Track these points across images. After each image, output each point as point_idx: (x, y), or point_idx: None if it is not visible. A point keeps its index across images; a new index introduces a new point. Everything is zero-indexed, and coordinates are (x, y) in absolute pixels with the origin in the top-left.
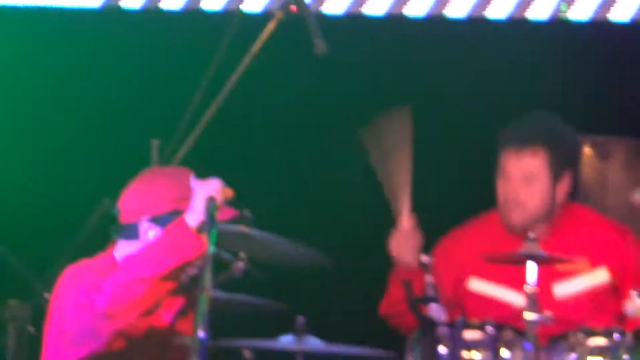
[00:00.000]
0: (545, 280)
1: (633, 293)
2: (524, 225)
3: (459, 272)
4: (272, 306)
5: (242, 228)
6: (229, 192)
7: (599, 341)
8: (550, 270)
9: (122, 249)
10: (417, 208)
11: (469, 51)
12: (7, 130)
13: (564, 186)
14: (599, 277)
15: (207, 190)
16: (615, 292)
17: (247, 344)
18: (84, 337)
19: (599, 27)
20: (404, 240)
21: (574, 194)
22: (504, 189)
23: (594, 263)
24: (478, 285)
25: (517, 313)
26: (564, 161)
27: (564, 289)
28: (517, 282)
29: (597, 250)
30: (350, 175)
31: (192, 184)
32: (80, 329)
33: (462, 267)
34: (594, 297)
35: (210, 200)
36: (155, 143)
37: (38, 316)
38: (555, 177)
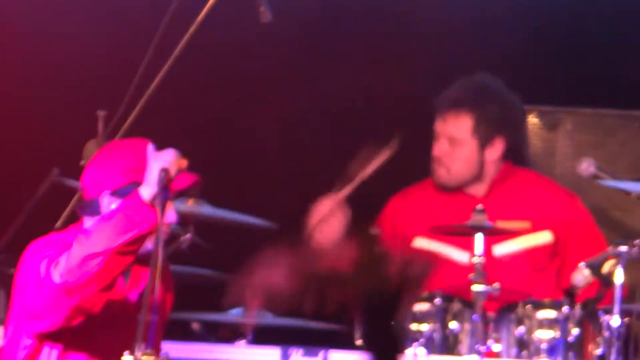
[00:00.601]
0: (486, 243)
1: (581, 265)
2: (452, 185)
3: (405, 232)
4: (220, 278)
5: (190, 204)
6: (183, 163)
7: (548, 313)
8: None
9: (88, 225)
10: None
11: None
12: None
13: (495, 150)
14: (541, 238)
15: (160, 162)
16: (556, 255)
17: (197, 317)
18: (43, 311)
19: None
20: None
21: (523, 161)
22: (434, 149)
23: (537, 225)
24: (423, 243)
25: (464, 284)
26: (492, 127)
27: (503, 249)
28: (461, 242)
29: (541, 212)
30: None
31: (149, 155)
32: (39, 303)
33: (408, 228)
34: (533, 258)
35: (163, 171)
36: (101, 114)
37: None
38: (483, 142)
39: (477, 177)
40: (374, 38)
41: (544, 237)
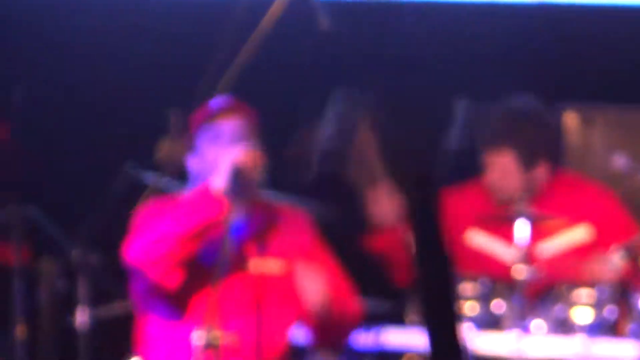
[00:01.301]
0: (531, 239)
1: (614, 249)
2: (508, 201)
3: (453, 228)
4: None
5: None
6: (258, 159)
7: (583, 293)
8: (536, 231)
9: None
10: None
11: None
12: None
13: (540, 172)
14: (580, 234)
15: (233, 156)
16: (596, 249)
17: None
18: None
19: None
20: (385, 203)
21: (558, 162)
22: (486, 177)
23: (576, 221)
24: (477, 238)
25: (508, 269)
26: (534, 153)
27: (548, 247)
28: (507, 240)
29: (580, 210)
30: None
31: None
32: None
33: (457, 224)
34: (576, 253)
35: (234, 166)
36: (174, 114)
37: (67, 272)
38: (527, 169)
39: (529, 192)
40: None
41: (581, 233)
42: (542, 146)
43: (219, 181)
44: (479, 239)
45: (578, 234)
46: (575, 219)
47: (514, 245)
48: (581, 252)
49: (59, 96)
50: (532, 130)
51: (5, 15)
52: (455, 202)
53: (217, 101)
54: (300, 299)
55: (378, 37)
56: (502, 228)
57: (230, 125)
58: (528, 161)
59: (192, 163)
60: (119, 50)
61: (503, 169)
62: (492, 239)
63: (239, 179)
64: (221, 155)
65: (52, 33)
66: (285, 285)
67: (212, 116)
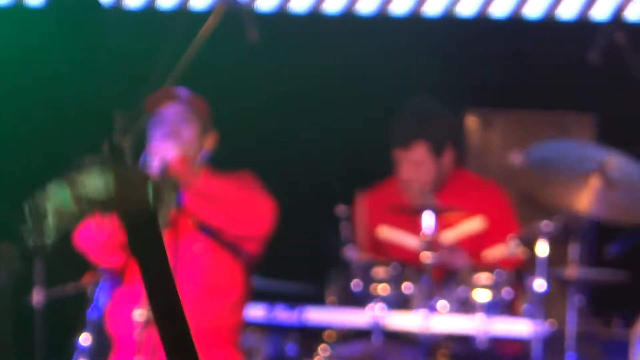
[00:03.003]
0: (436, 229)
1: (510, 239)
2: (419, 194)
3: (370, 221)
4: None
5: None
6: (184, 154)
7: (483, 276)
8: (440, 221)
9: None
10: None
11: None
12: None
13: (447, 160)
14: (475, 224)
15: (159, 152)
16: (486, 237)
17: None
18: None
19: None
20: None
21: (461, 157)
22: (401, 174)
23: (473, 214)
24: (386, 231)
25: (417, 255)
26: (442, 143)
27: (449, 235)
28: (413, 230)
29: (477, 204)
30: None
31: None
32: None
33: (372, 218)
34: (471, 241)
35: (161, 161)
36: (119, 113)
37: (25, 255)
38: (437, 157)
39: (439, 182)
40: None
41: (477, 224)
42: (448, 136)
43: (150, 173)
44: (389, 232)
45: (474, 225)
46: (472, 212)
47: (421, 234)
48: (477, 240)
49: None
50: (439, 122)
51: None
52: (371, 199)
53: (162, 90)
54: (228, 274)
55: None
56: (411, 219)
57: (168, 110)
58: (438, 150)
59: (147, 148)
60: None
61: (418, 160)
62: (400, 231)
63: (165, 174)
64: (152, 147)
65: None
66: (216, 263)
67: (155, 103)
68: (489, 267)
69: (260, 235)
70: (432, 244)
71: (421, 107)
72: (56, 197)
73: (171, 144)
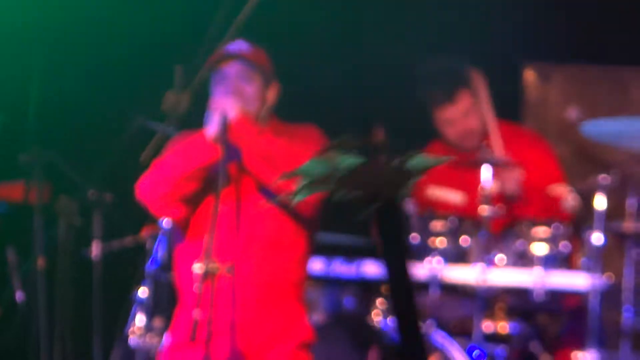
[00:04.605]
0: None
1: (567, 192)
2: (469, 147)
3: (424, 179)
4: None
5: None
6: (244, 110)
7: (540, 229)
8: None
9: None
10: None
11: None
12: (62, 51)
13: (488, 109)
14: (517, 173)
15: (220, 107)
16: (529, 186)
17: None
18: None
19: None
20: None
21: (519, 111)
22: (450, 130)
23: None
24: (433, 190)
25: (475, 208)
26: (482, 94)
27: (498, 182)
28: (460, 186)
29: (517, 153)
30: None
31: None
32: None
33: (425, 180)
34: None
35: (222, 116)
36: (179, 69)
37: (83, 209)
38: (478, 102)
39: (484, 136)
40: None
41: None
42: (483, 87)
43: (211, 129)
44: (436, 191)
45: (516, 175)
46: (517, 161)
47: (479, 187)
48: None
49: (80, 55)
50: (471, 74)
51: None
52: None
53: (226, 46)
54: (291, 231)
55: None
56: (460, 175)
57: (230, 68)
58: (477, 97)
59: (210, 104)
60: (137, 17)
61: (465, 110)
62: (447, 189)
63: (226, 129)
64: (214, 103)
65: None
66: (280, 221)
67: (215, 60)
68: (547, 220)
69: (314, 200)
70: (491, 197)
71: (443, 61)
72: (312, 169)
73: (233, 102)
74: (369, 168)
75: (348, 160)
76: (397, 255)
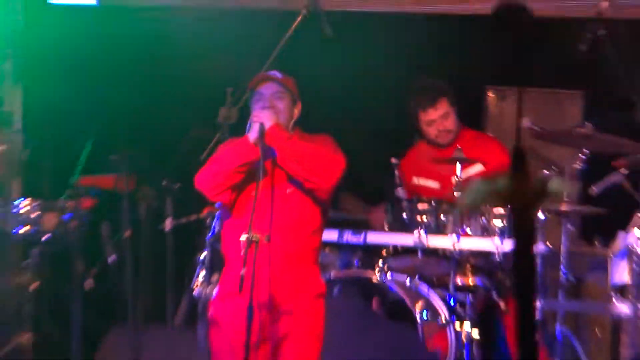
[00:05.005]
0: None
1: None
2: (446, 143)
3: (408, 174)
4: None
5: None
6: (278, 119)
7: (499, 209)
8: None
9: None
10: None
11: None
12: (128, 70)
13: (455, 115)
14: (479, 168)
15: (257, 118)
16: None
17: None
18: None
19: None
20: None
21: (482, 122)
22: (430, 129)
23: (480, 161)
24: (417, 180)
25: (450, 193)
26: (455, 100)
27: (465, 173)
28: (435, 176)
29: (478, 153)
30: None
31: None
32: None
33: (409, 171)
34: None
35: (260, 125)
36: (229, 90)
37: (159, 195)
38: (454, 108)
39: (456, 137)
40: None
41: (480, 167)
42: (455, 96)
43: (252, 135)
44: (419, 180)
45: (478, 169)
46: (478, 159)
47: (453, 178)
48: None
49: (159, 79)
50: (447, 86)
51: None
52: (407, 158)
53: (261, 74)
54: (310, 210)
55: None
56: (436, 168)
57: (266, 89)
58: (453, 104)
59: (250, 118)
60: (200, 53)
61: (444, 113)
62: (427, 179)
63: (263, 135)
64: (254, 115)
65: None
66: (302, 202)
67: (255, 83)
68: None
69: (329, 187)
70: (461, 185)
71: (429, 80)
72: (477, 192)
73: (268, 114)
74: (523, 184)
75: (555, 185)
76: (528, 249)
